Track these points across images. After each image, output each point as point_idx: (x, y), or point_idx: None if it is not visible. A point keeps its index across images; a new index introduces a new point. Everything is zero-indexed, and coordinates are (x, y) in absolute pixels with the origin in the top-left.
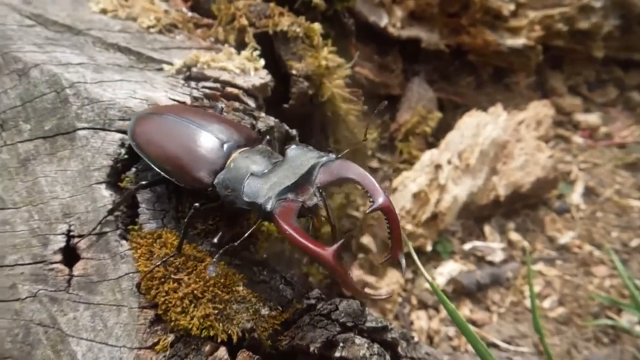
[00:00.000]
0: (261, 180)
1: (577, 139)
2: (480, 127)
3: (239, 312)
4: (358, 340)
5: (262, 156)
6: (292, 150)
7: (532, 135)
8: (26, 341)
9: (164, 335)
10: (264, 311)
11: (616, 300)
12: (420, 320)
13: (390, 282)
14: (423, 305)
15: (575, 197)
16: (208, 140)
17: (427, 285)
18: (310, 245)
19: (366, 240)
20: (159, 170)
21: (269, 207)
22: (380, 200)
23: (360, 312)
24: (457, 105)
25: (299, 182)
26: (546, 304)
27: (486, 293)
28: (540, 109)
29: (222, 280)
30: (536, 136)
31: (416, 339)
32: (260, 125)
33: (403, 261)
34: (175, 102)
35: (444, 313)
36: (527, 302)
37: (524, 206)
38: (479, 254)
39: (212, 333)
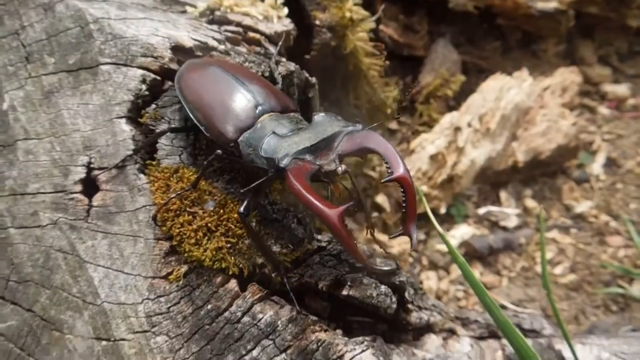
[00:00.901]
0: (282, 139)
1: (603, 109)
2: (504, 91)
3: (251, 247)
4: (366, 280)
5: (289, 121)
6: (320, 116)
7: (556, 102)
8: (46, 266)
9: (178, 266)
10: (275, 248)
11: (629, 270)
12: (430, 280)
13: (402, 241)
14: (433, 266)
15: (596, 167)
16: (243, 98)
17: (438, 247)
18: (317, 203)
19: (380, 199)
20: (192, 117)
21: (283, 163)
22: (400, 171)
23: (370, 255)
24: (481, 69)
25: (320, 145)
26: (557, 270)
27: (497, 257)
28: (566, 76)
29: (235, 216)
30: (561, 103)
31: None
32: (281, 69)
33: (414, 235)
34: (220, 56)
35: (454, 274)
36: (538, 268)
37: (543, 174)
38: (493, 218)
39: (224, 265)
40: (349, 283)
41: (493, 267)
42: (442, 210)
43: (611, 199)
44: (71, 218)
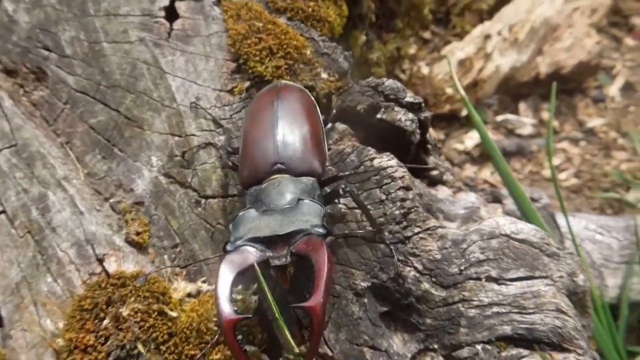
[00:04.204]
0: (252, 219)
1: (629, 41)
2: (536, 4)
3: (304, 71)
4: (397, 108)
5: (287, 192)
6: (305, 204)
7: (584, 22)
8: (132, 74)
9: (241, 82)
10: (324, 75)
11: (628, 179)
12: (445, 175)
13: None
14: (449, 162)
15: (613, 89)
16: (269, 149)
17: (455, 146)
18: (220, 303)
19: None
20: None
21: (227, 247)
22: (313, 302)
23: (402, 89)
24: None
25: (275, 239)
26: (562, 175)
27: (509, 160)
28: None
29: (295, 43)
30: (588, 23)
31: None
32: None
33: None
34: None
35: (466, 172)
36: (545, 172)
37: (562, 91)
38: (509, 126)
39: None
40: (383, 109)
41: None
42: (463, 113)
43: (622, 119)
44: (155, 37)
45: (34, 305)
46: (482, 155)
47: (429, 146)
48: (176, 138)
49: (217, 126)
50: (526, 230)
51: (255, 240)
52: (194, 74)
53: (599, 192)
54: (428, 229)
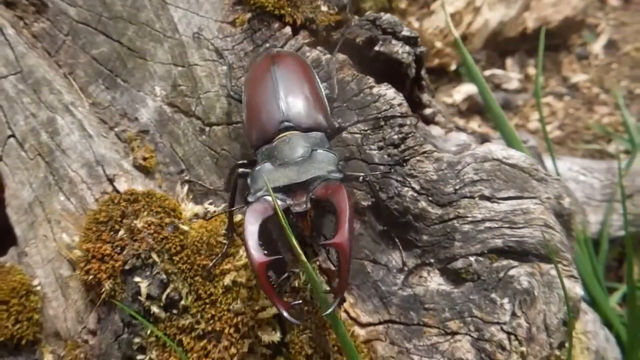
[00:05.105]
0: (269, 171)
1: (613, 1)
2: None
3: (304, 3)
4: (394, 41)
5: (299, 145)
6: (318, 153)
7: None
8: (134, 6)
9: (243, 13)
10: (324, 8)
11: (609, 131)
12: (434, 130)
13: None
14: None
15: (597, 47)
16: (273, 109)
17: (444, 99)
18: (249, 247)
19: None
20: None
21: (250, 199)
22: (341, 239)
23: (399, 24)
24: None
25: (294, 187)
26: (547, 128)
27: None
28: None
29: None
30: None
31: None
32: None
33: (338, 300)
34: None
35: None
36: (530, 125)
37: (547, 47)
38: (496, 81)
39: (282, 12)
40: (380, 42)
41: (490, 123)
42: (452, 68)
43: (605, 75)
44: None
45: (48, 222)
46: (470, 109)
47: (424, 83)
48: (179, 68)
49: (220, 57)
50: (517, 156)
51: (275, 190)
52: (195, 5)
53: (581, 143)
54: (425, 152)
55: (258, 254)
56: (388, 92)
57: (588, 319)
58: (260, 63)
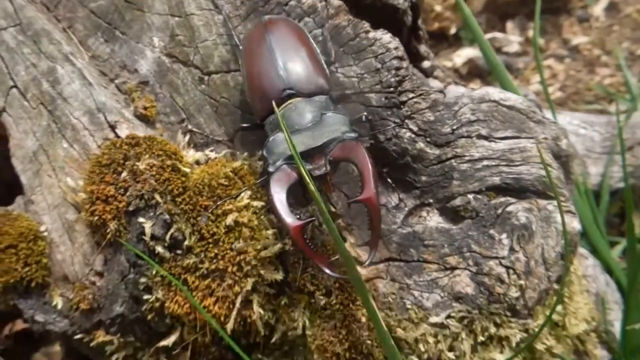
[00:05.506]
0: (283, 139)
1: None
2: None
3: None
4: None
5: (307, 111)
6: (329, 116)
7: None
8: None
9: None
10: None
11: (610, 91)
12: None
13: None
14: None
15: (598, 9)
16: (275, 78)
17: (444, 63)
18: (282, 215)
19: None
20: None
21: (271, 168)
22: (369, 193)
23: None
24: None
25: (312, 152)
26: (548, 90)
27: None
28: None
29: None
30: None
31: None
32: None
33: (372, 255)
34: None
35: None
36: (531, 88)
37: (548, 10)
38: (497, 44)
39: None
40: None
41: (491, 85)
42: (452, 31)
43: (606, 37)
44: None
45: (53, 169)
46: (470, 72)
47: (421, 33)
48: (176, 18)
49: (215, 6)
50: (514, 98)
51: (293, 158)
52: None
53: (582, 104)
54: (422, 94)
55: (292, 220)
56: (384, 36)
57: (588, 264)
58: (253, 32)
